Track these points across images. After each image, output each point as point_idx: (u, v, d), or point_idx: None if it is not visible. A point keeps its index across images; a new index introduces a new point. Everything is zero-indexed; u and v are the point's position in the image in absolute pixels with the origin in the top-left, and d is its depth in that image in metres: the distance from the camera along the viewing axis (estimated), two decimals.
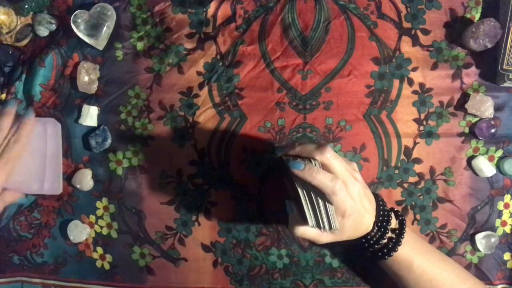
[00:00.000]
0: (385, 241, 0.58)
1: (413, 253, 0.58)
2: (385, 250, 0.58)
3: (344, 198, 0.54)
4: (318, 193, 0.53)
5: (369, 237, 0.58)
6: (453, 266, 0.61)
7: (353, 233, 0.57)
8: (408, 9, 0.68)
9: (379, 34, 0.68)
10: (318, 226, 0.54)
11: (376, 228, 0.58)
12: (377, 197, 0.61)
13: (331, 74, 0.68)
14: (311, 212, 0.53)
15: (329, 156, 0.54)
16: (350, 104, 0.68)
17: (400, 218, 0.60)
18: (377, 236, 0.58)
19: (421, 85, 0.68)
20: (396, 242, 0.58)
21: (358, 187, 0.56)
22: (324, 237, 0.57)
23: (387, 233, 0.58)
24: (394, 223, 0.59)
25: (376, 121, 0.68)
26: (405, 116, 0.68)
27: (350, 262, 0.68)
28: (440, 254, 0.62)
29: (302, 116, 0.68)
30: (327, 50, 0.68)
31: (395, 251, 0.58)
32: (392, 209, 0.62)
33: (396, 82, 0.68)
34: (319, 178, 0.52)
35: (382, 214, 0.58)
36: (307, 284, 0.68)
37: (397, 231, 0.58)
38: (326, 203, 0.53)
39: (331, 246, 0.66)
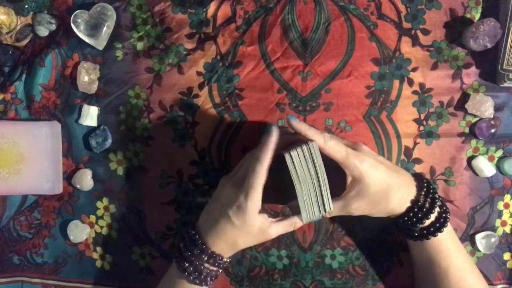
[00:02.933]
0: (433, 219, 0.57)
1: (454, 243, 0.59)
2: (432, 229, 0.57)
3: (358, 163, 0.54)
4: (315, 173, 0.53)
5: (418, 205, 0.57)
6: (479, 273, 0.62)
7: (384, 204, 0.57)
8: (408, 9, 0.68)
9: (379, 35, 0.68)
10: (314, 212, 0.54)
11: (424, 197, 0.57)
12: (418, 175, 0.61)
13: (331, 75, 0.68)
14: (305, 201, 0.54)
15: (332, 143, 0.54)
16: (350, 105, 0.68)
17: (440, 200, 0.60)
18: (426, 208, 0.57)
19: (421, 85, 0.68)
20: (443, 222, 0.57)
21: (373, 155, 0.57)
22: (353, 208, 0.57)
23: (436, 205, 0.57)
24: (436, 211, 0.58)
25: (376, 121, 0.68)
26: (405, 116, 0.68)
27: (349, 263, 0.68)
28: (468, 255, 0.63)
29: (302, 117, 0.68)
30: (327, 52, 0.68)
31: (441, 231, 0.57)
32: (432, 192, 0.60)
33: (396, 83, 0.68)
34: (331, 144, 0.53)
35: (427, 187, 0.58)
36: (307, 285, 0.68)
37: (443, 214, 0.58)
38: (322, 182, 0.53)
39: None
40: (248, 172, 0.55)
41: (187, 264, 0.57)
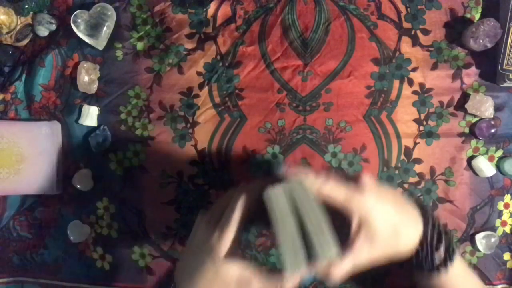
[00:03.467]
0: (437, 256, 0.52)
1: (466, 273, 0.54)
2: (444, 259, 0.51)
3: (362, 200, 0.48)
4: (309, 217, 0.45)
5: (426, 243, 0.51)
6: None
7: (394, 243, 0.50)
8: (408, 9, 0.68)
9: (379, 35, 0.68)
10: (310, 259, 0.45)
11: (431, 231, 0.51)
12: (424, 208, 0.54)
13: (331, 75, 0.68)
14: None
15: (329, 187, 0.48)
16: (350, 105, 0.68)
17: (449, 236, 0.53)
18: (434, 241, 0.51)
19: (421, 85, 0.68)
20: (452, 252, 0.52)
21: (376, 189, 0.50)
22: (363, 255, 0.49)
23: (440, 246, 0.51)
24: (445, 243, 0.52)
25: (376, 121, 0.68)
26: (405, 116, 0.68)
27: None
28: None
29: (302, 117, 0.68)
30: (327, 52, 0.68)
31: (452, 260, 0.51)
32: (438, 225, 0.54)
33: (396, 83, 0.68)
34: (328, 188, 0.47)
35: (432, 230, 0.52)
36: (307, 285, 0.68)
37: (450, 249, 0.52)
38: (312, 226, 0.45)
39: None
40: (226, 211, 0.50)
41: None
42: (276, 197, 0.46)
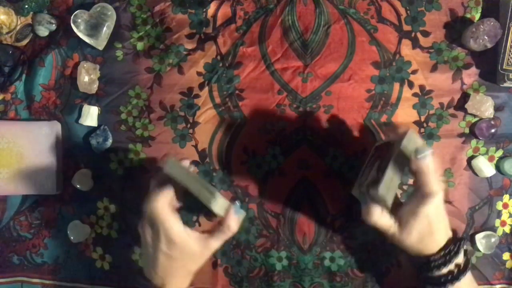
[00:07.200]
0: (446, 271, 0.56)
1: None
2: (442, 280, 0.56)
3: (437, 203, 0.53)
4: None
5: (432, 259, 0.56)
6: None
7: (419, 242, 0.56)
8: (408, 11, 0.68)
9: (379, 38, 0.68)
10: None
11: (442, 253, 0.56)
12: (454, 231, 0.60)
13: (331, 78, 0.68)
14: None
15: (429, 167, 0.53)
16: (350, 108, 0.67)
17: (466, 257, 0.58)
18: (440, 261, 0.56)
19: (421, 87, 0.68)
20: (455, 277, 0.56)
21: (443, 205, 0.56)
22: (392, 230, 0.56)
23: (451, 263, 0.56)
24: (461, 259, 0.57)
25: (377, 125, 0.68)
26: (405, 118, 0.68)
27: (349, 266, 0.68)
28: None
29: (302, 119, 0.68)
30: (327, 54, 0.68)
31: (452, 283, 0.56)
32: (462, 243, 0.58)
33: (396, 86, 0.68)
34: (432, 169, 0.53)
35: (454, 245, 0.57)
36: (306, 286, 0.68)
37: (461, 267, 0.56)
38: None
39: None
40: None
41: None
42: (171, 167, 0.55)
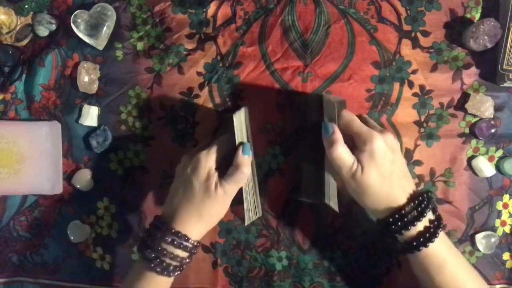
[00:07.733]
0: (421, 229, 0.54)
1: (447, 253, 0.55)
2: (421, 239, 0.54)
3: (382, 145, 0.54)
4: None
5: (403, 212, 0.54)
6: (480, 280, 0.58)
7: (381, 184, 0.54)
8: (408, 11, 0.68)
9: (379, 38, 0.68)
10: None
11: (412, 204, 0.54)
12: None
13: (331, 78, 0.68)
14: None
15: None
16: (350, 108, 0.66)
17: (437, 213, 0.57)
18: (412, 215, 0.54)
19: (421, 87, 0.68)
20: (433, 233, 0.54)
21: (397, 145, 0.57)
22: (354, 167, 0.54)
23: (425, 216, 0.54)
24: (431, 215, 0.55)
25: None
26: (405, 118, 0.68)
27: (349, 266, 0.68)
28: (469, 264, 0.59)
29: (302, 118, 0.68)
30: (327, 54, 0.68)
31: (432, 241, 0.53)
32: (430, 194, 0.58)
33: (396, 85, 0.68)
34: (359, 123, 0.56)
35: (422, 197, 0.55)
36: (306, 286, 0.68)
37: (435, 222, 0.55)
38: None
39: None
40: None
41: (149, 251, 0.55)
42: (237, 115, 0.59)
